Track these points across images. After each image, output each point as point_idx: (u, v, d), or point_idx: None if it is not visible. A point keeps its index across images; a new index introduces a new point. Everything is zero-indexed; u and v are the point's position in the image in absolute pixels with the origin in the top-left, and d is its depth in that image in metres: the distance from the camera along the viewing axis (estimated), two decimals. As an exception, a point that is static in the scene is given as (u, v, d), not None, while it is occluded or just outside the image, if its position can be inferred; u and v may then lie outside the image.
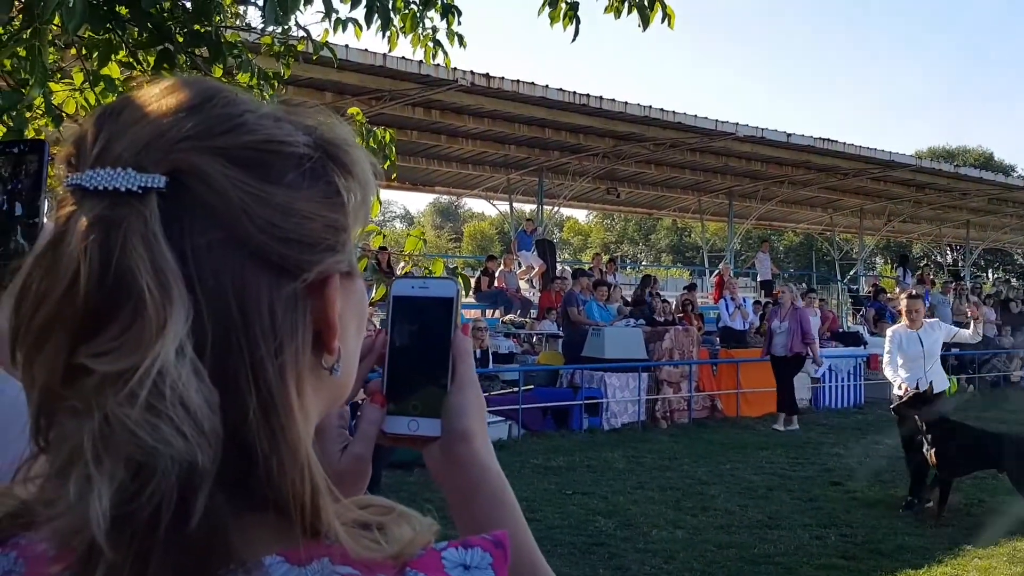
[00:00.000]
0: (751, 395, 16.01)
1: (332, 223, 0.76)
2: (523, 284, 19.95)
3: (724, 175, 23.77)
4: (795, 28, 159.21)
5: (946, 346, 21.37)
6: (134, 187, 0.68)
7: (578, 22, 5.12)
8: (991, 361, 22.17)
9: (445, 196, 52.40)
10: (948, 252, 47.05)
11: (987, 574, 7.03)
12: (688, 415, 15.23)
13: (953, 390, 19.88)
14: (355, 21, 4.59)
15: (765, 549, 7.58)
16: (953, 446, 8.61)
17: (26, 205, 1.29)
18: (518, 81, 15.67)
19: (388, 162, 4.78)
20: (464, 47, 5.29)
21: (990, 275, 57.78)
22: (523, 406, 13.02)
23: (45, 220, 1.31)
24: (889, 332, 9.76)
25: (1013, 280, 42.04)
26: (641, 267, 50.06)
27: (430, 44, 5.12)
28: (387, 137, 4.88)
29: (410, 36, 5.02)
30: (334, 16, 4.51)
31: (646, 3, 4.97)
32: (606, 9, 5.10)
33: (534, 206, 23.38)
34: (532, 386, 13.73)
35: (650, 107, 17.21)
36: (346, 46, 12.06)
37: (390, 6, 4.60)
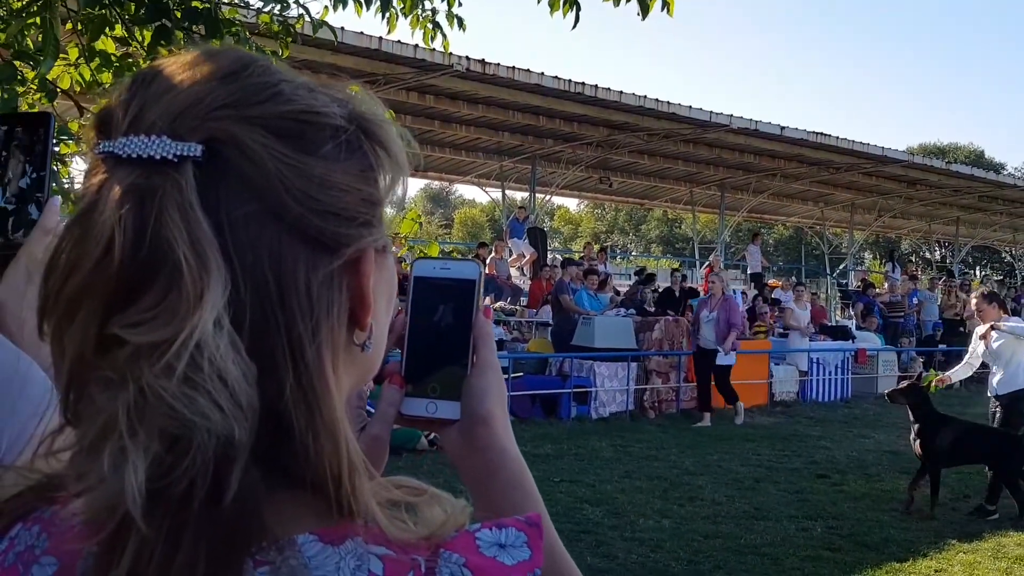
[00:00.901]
0: (739, 387, 16.02)
1: (368, 197, 0.75)
2: (514, 272, 19.95)
3: (717, 167, 23.76)
4: (792, 21, 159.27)
5: (933, 342, 21.61)
6: (169, 155, 0.67)
7: (578, 9, 5.09)
8: (978, 358, 22.24)
9: (437, 182, 52.36)
10: (937, 248, 47.15)
11: (972, 569, 7.06)
12: (676, 405, 15.26)
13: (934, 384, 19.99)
14: (356, -1, 4.56)
15: (751, 540, 7.60)
16: (943, 438, 8.66)
17: (32, 178, 1.28)
18: (513, 68, 15.63)
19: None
20: (464, 30, 5.27)
21: (978, 272, 57.99)
22: (512, 393, 13.02)
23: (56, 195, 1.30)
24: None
25: (1003, 278, 42.12)
26: (631, 257, 50.11)
27: (429, 26, 5.10)
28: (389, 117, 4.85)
29: (409, 17, 5.00)
30: (334, -7, 4.48)
31: (646, -10, 4.94)
32: (605, -3, 5.07)
33: (526, 194, 23.35)
34: (521, 373, 13.74)
35: (645, 97, 17.19)
36: (342, 28, 12.01)
37: (391, -15, 4.57)
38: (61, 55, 4.10)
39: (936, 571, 6.96)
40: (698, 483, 9.67)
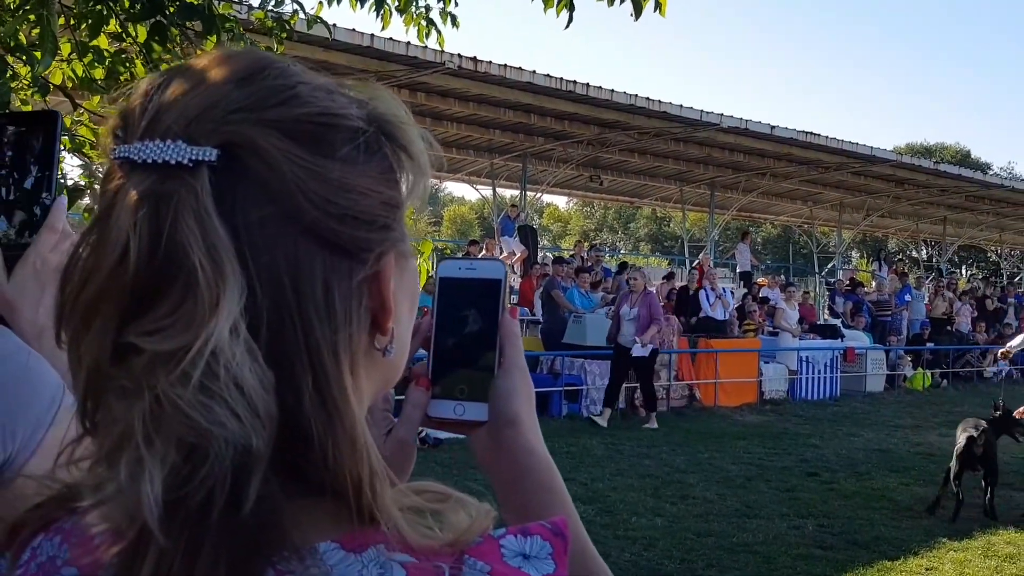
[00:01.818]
0: (729, 385, 16.07)
1: (388, 200, 0.74)
2: (505, 270, 19.91)
3: (707, 165, 23.79)
4: (783, 20, 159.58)
5: (921, 340, 21.69)
6: (185, 160, 0.66)
7: (572, 8, 5.07)
8: (965, 356, 22.35)
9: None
10: (923, 248, 47.32)
11: (962, 567, 7.08)
12: (667, 404, 15.26)
13: (927, 383, 20.09)
14: (351, -5, 4.54)
15: (743, 538, 7.61)
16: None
17: (37, 178, 1.26)
18: (505, 66, 15.62)
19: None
20: (457, 27, 5.25)
21: (964, 271, 58.23)
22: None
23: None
24: None
25: (988, 276, 42.33)
26: (620, 255, 50.17)
27: (423, 23, 5.08)
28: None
29: (403, 15, 4.98)
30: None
31: (640, -10, 4.93)
32: (599, -5, 5.05)
33: (516, 192, 23.34)
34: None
35: (636, 96, 17.19)
36: (334, 25, 11.96)
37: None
38: (54, 51, 4.08)
39: (927, 569, 6.98)
40: (689, 481, 9.68)
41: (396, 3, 4.94)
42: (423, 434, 10.33)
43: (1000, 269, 42.27)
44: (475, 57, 15.18)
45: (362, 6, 4.55)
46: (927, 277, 27.38)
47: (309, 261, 0.68)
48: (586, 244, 26.14)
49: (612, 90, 17.02)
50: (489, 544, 0.69)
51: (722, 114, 18.50)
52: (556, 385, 14.00)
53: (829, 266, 31.97)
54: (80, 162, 3.98)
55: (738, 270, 24.07)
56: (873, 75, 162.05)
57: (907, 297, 22.49)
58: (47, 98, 3.84)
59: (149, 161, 0.66)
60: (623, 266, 20.23)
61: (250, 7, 4.63)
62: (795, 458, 11.39)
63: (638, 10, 4.99)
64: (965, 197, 27.30)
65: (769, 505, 8.80)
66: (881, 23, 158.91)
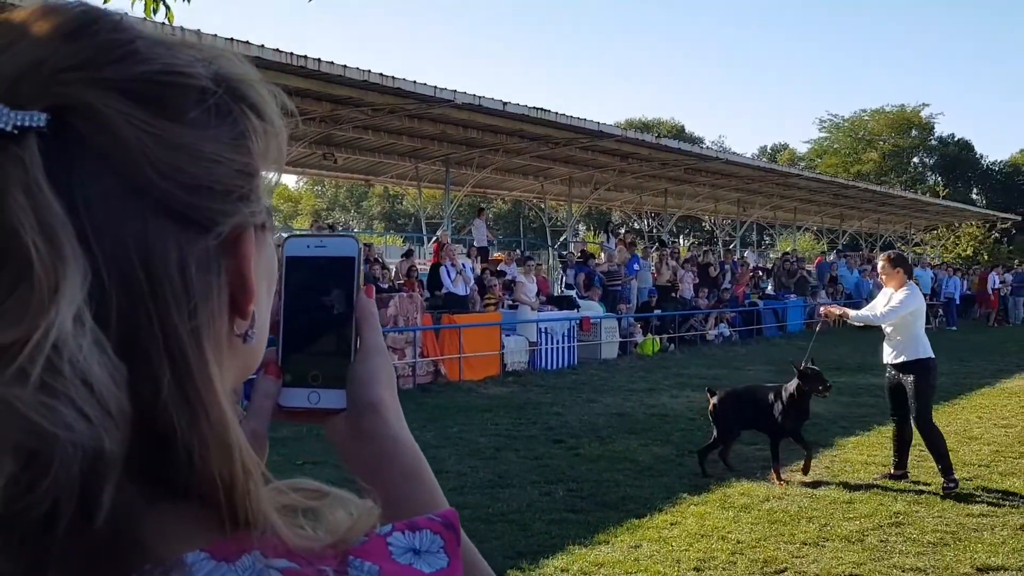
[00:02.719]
0: (473, 359, 16.32)
1: (242, 167, 0.65)
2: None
3: (441, 142, 23.94)
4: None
5: (649, 307, 22.78)
6: (8, 127, 0.56)
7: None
8: (689, 321, 23.70)
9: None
10: (646, 219, 49.78)
11: (702, 519, 7.49)
12: (412, 380, 15.32)
13: (656, 348, 21.17)
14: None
15: (498, 508, 7.74)
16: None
17: None
18: (232, 40, 15.04)
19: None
20: (188, 1, 4.99)
21: (683, 241, 61.86)
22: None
23: None
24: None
25: (703, 244, 45.12)
26: (354, 234, 49.86)
27: (152, -5, 4.78)
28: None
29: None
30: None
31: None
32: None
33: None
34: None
35: (369, 71, 17.03)
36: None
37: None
38: None
39: (671, 524, 7.34)
40: (442, 455, 9.74)
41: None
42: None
43: (715, 237, 45.09)
44: (199, 31, 14.54)
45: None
46: (652, 247, 28.77)
47: (161, 239, 0.60)
48: (323, 225, 25.76)
49: (345, 66, 16.78)
50: (375, 542, 0.64)
51: (456, 90, 18.64)
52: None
53: (561, 239, 33.07)
54: None
55: (475, 245, 24.45)
56: (593, 53, 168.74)
57: (635, 267, 23.58)
58: None
59: None
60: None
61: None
62: (540, 427, 11.71)
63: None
64: (684, 170, 28.87)
65: (520, 474, 8.99)
66: (599, 4, 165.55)
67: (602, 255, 26.47)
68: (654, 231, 44.60)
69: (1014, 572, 6.27)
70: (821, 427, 11.59)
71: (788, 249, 39.10)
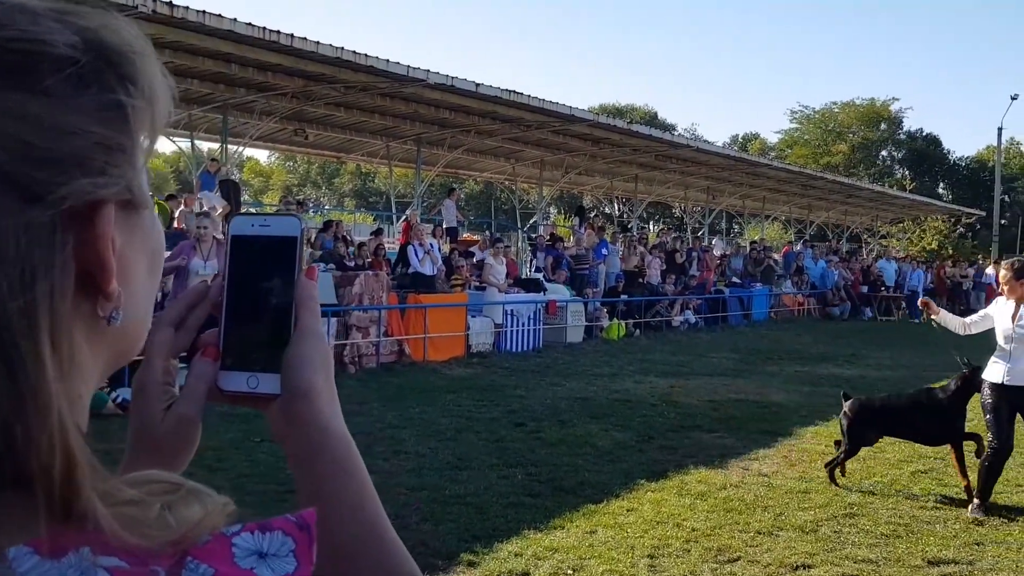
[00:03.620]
0: (438, 340, 16.29)
1: (104, 140, 0.63)
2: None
3: (413, 121, 23.83)
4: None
5: (616, 292, 22.82)
6: None
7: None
8: (655, 307, 23.77)
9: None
10: (616, 204, 49.84)
11: (659, 506, 7.52)
12: (376, 360, 15.27)
13: (622, 333, 21.22)
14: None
15: (456, 490, 7.73)
16: None
17: None
18: (204, 12, 14.87)
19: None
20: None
21: (652, 227, 61.97)
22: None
23: None
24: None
25: (673, 230, 45.27)
26: (324, 211, 49.63)
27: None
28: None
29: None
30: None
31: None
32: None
33: (216, 145, 22.47)
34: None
35: (342, 48, 16.89)
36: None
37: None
38: None
39: (628, 510, 7.36)
40: (402, 436, 9.73)
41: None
42: (119, 399, 9.79)
43: (684, 224, 45.21)
44: (171, 2, 14.36)
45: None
46: (621, 232, 28.82)
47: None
48: (294, 201, 25.61)
49: (318, 42, 16.64)
50: (219, 542, 0.61)
51: (429, 70, 18.54)
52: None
53: (531, 222, 33.03)
54: None
55: (444, 226, 24.38)
56: (568, 36, 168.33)
57: (604, 251, 23.59)
58: None
59: None
60: (328, 224, 19.96)
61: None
62: (503, 409, 11.71)
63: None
64: (655, 156, 28.91)
65: (479, 456, 8.99)
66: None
67: (571, 239, 26.47)
68: (624, 216, 44.64)
69: (964, 565, 6.35)
70: (781, 416, 11.69)
71: (756, 238, 39.27)
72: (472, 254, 20.93)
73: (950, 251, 50.72)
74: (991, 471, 7.74)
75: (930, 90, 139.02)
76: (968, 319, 8.44)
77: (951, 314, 8.77)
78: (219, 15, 15.12)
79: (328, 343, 0.87)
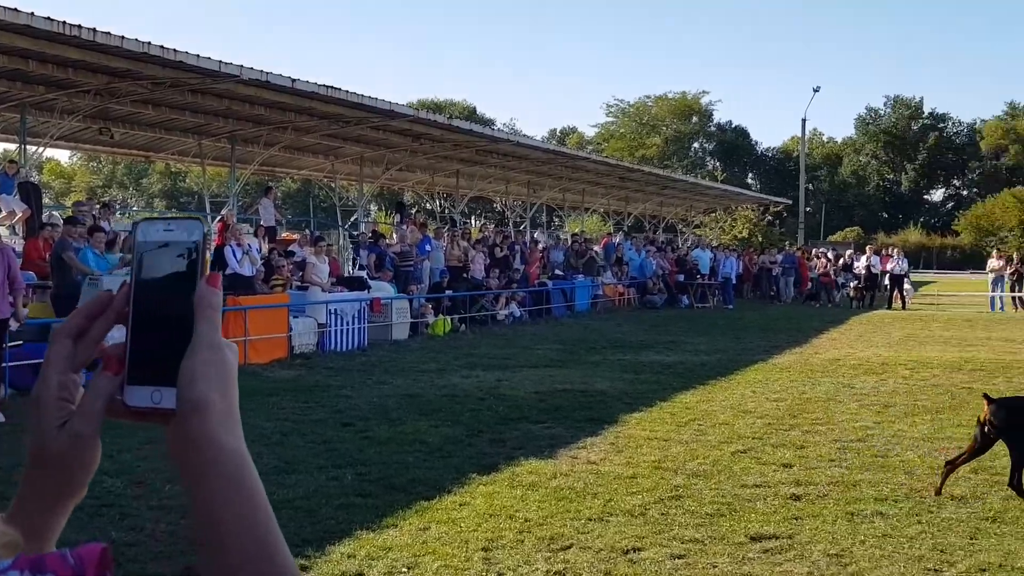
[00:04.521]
0: (259, 342, 15.88)
1: None
2: (3, 231, 18.12)
3: (227, 118, 23.13)
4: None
5: (440, 288, 22.79)
6: None
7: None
8: (480, 301, 23.88)
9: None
10: (437, 200, 49.86)
11: (491, 499, 7.52)
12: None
13: (447, 329, 21.22)
14: None
15: (284, 494, 7.53)
16: None
17: None
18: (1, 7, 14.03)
19: None
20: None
21: (474, 221, 62.35)
22: (14, 363, 11.86)
23: None
24: None
25: (495, 225, 45.63)
26: (132, 212, 47.84)
27: None
28: None
29: None
30: None
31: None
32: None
33: (14, 146, 21.28)
34: (21, 342, 12.52)
35: (149, 43, 16.20)
36: None
37: None
38: None
39: (460, 505, 7.33)
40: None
41: None
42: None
43: (506, 218, 45.63)
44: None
45: None
46: (444, 227, 28.83)
47: None
48: (98, 203, 24.52)
49: (123, 36, 15.91)
50: None
51: (242, 66, 18.03)
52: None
53: (352, 219, 32.66)
54: None
55: (263, 224, 23.80)
56: (384, 29, 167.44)
57: (427, 247, 23.54)
58: None
59: None
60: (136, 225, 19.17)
61: None
62: (329, 410, 11.50)
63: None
64: (475, 151, 29.03)
65: (307, 459, 8.80)
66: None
67: (394, 235, 26.30)
68: (446, 211, 44.70)
69: (785, 540, 6.58)
70: (606, 404, 11.90)
71: (577, 230, 39.99)
72: (293, 253, 20.50)
73: (759, 239, 52.97)
74: None
75: (738, 83, 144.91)
76: None
77: None
78: (15, 9, 14.27)
79: (232, 353, 0.79)
